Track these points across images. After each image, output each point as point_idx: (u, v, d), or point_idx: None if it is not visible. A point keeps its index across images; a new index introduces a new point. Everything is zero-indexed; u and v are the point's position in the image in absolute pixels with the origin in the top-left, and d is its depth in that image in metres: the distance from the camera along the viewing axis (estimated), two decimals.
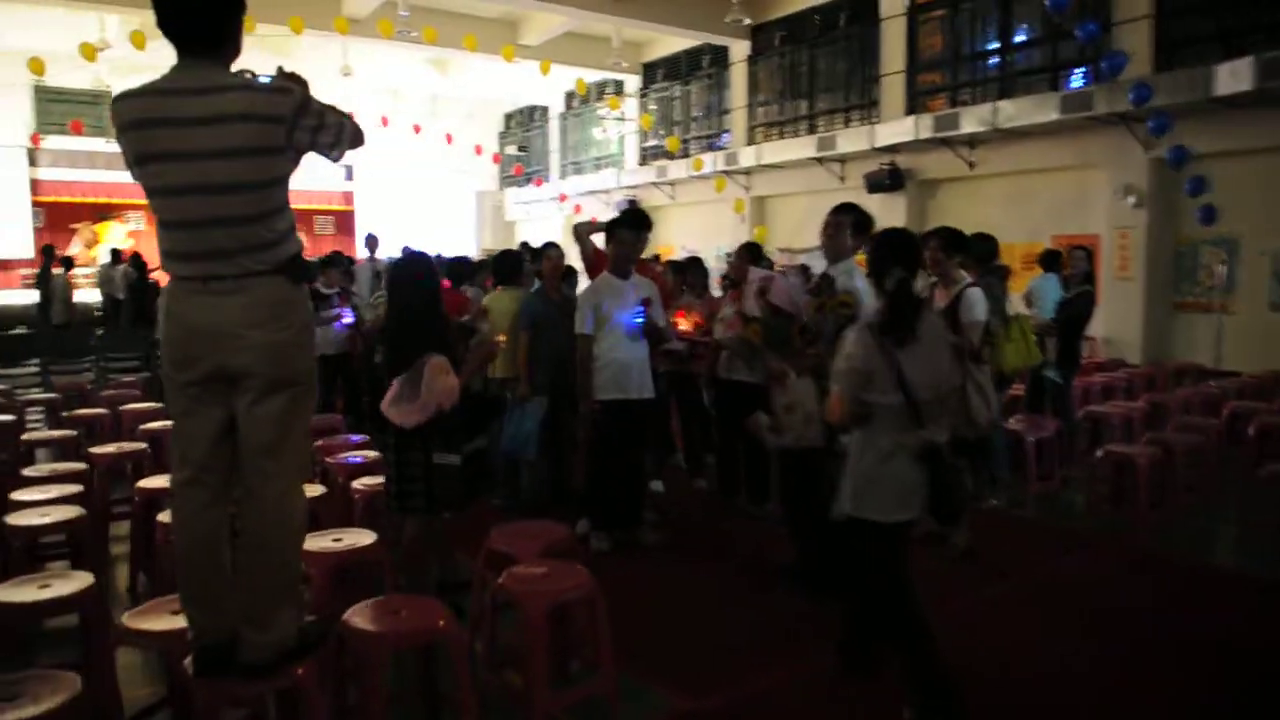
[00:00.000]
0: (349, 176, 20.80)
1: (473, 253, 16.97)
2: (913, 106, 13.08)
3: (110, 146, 18.49)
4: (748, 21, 14.32)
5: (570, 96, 19.50)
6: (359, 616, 2.76)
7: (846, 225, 4.06)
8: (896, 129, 12.76)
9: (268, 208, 2.35)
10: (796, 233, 15.81)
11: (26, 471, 4.81)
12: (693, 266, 6.67)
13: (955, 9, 12.64)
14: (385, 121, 16.72)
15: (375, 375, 5.42)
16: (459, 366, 3.76)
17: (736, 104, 16.29)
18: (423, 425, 3.70)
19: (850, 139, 13.54)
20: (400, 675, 3.07)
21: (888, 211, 13.35)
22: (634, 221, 5.01)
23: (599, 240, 5.26)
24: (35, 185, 17.83)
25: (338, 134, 2.44)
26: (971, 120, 11.71)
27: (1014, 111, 11.20)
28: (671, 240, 18.36)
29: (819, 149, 13.97)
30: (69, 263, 13.02)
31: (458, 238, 21.02)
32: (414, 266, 3.72)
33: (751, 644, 3.84)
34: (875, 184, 13.37)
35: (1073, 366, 6.26)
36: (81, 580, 3.05)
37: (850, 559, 3.31)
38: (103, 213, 18.94)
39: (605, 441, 4.80)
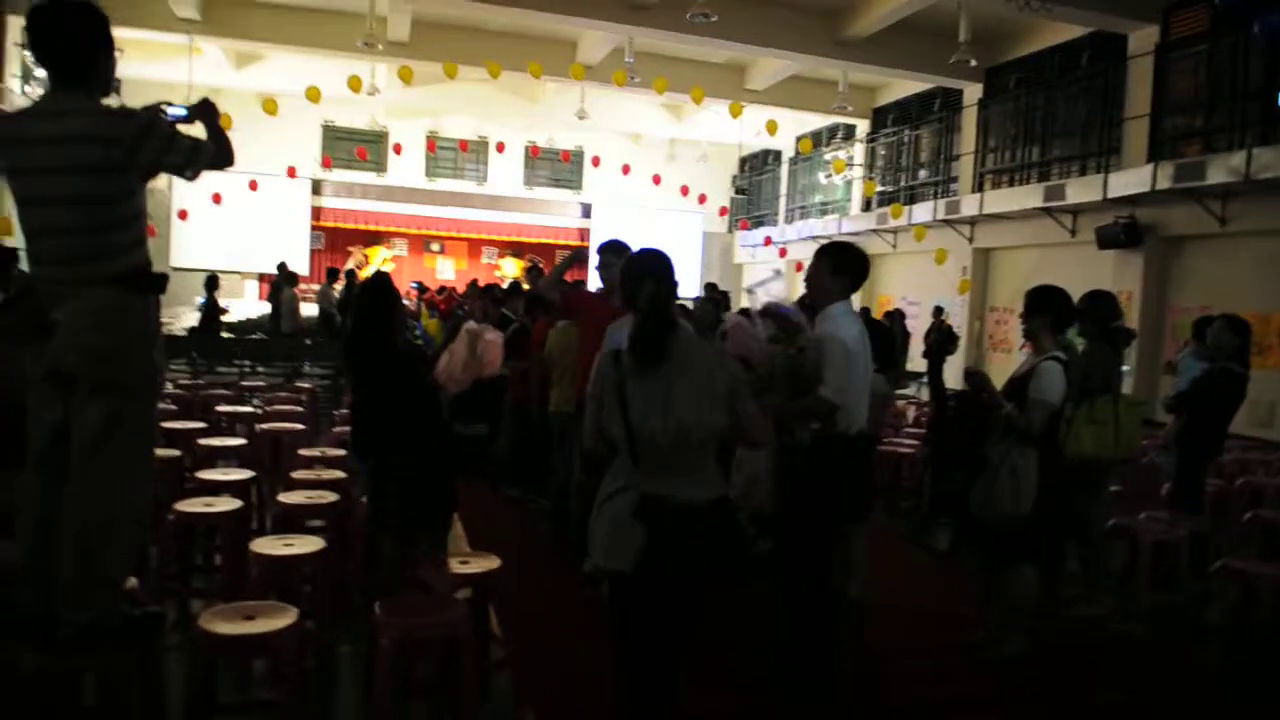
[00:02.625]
0: (586, 214, 21.85)
1: (694, 291, 17.12)
2: (1157, 154, 11.53)
3: (381, 180, 20.82)
4: (976, 63, 13.38)
5: (799, 140, 19.28)
6: (208, 616, 2.84)
7: (827, 267, 3.63)
8: (1131, 178, 11.32)
9: (107, 221, 2.54)
10: (1023, 288, 14.43)
11: None
12: None
13: (1214, 44, 11.07)
14: (597, 162, 17.55)
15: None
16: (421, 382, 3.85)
17: (965, 150, 15.28)
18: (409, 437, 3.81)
19: (1080, 188, 12.22)
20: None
21: (1123, 271, 11.91)
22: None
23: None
24: (318, 212, 20.40)
25: (188, 156, 2.63)
26: (1220, 169, 10.15)
27: (1271, 159, 9.58)
28: (891, 290, 17.52)
29: (1045, 198, 12.73)
30: (293, 278, 14.45)
31: (686, 276, 21.37)
32: (367, 293, 3.91)
33: None
34: (1108, 239, 11.94)
35: (1196, 453, 5.11)
36: None
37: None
38: (372, 238, 21.32)
39: None
